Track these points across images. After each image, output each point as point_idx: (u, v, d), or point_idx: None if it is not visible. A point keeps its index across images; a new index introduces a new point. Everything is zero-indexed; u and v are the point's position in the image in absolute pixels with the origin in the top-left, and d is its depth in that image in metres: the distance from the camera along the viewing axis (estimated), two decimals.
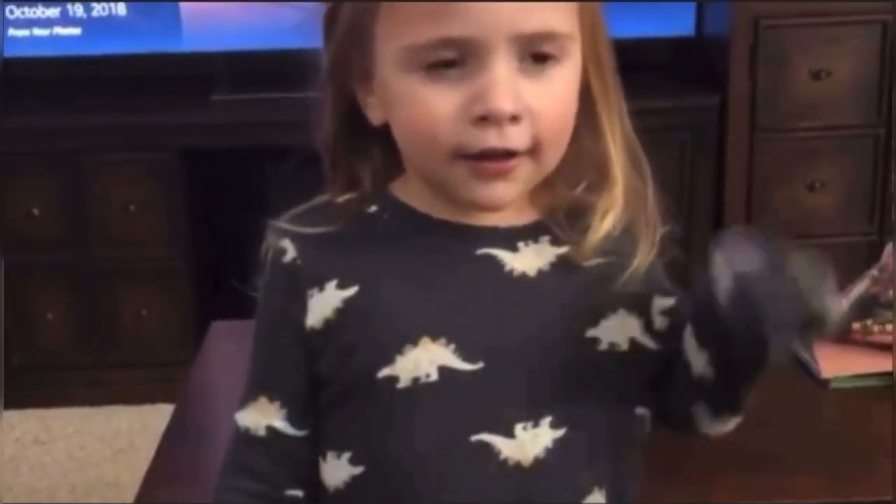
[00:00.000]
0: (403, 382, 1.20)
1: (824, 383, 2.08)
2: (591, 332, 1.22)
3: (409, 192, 1.26)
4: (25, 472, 3.28)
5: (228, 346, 2.25)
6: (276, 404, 1.27)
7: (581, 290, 1.23)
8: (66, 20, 3.66)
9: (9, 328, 3.56)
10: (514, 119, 1.13)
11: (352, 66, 1.22)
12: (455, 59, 1.14)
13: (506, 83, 1.12)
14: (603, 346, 1.22)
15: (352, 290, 1.23)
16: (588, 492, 1.22)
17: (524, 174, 1.18)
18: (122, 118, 3.53)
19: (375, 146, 1.25)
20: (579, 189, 1.25)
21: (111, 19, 3.66)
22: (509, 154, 1.15)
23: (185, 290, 3.60)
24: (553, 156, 1.19)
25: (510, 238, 1.23)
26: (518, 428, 1.19)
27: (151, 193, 3.51)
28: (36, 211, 3.49)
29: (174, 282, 3.58)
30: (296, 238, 1.27)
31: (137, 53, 3.68)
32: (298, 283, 1.25)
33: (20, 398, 3.56)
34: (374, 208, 1.27)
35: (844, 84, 3.49)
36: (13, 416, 3.55)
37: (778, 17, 3.46)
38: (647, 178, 1.27)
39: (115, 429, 3.48)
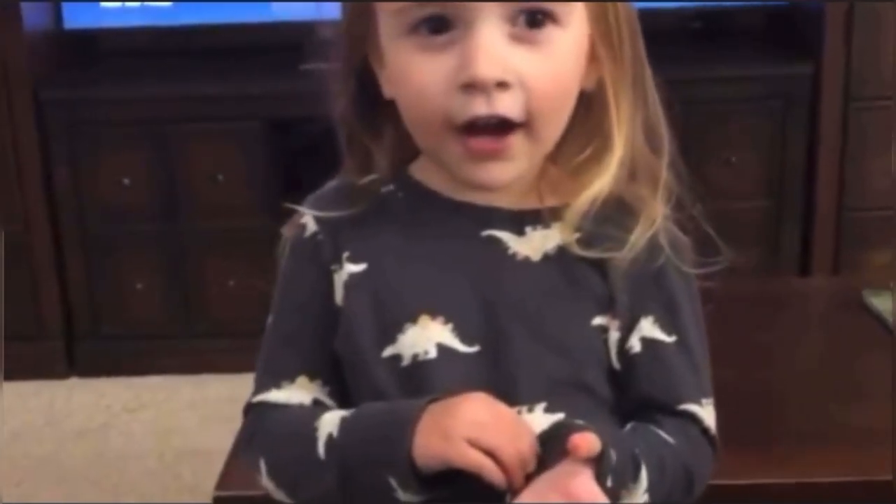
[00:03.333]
0: (405, 361, 1.19)
1: None
2: (597, 321, 1.20)
3: (425, 171, 1.24)
4: (115, 439, 3.31)
5: None
6: (318, 382, 1.25)
7: (588, 276, 1.20)
8: None
9: (99, 298, 3.60)
10: (502, 86, 1.11)
11: (362, 39, 1.21)
12: (442, 20, 1.12)
13: (490, 49, 1.10)
14: (608, 335, 1.21)
15: (360, 268, 1.22)
16: None
17: (519, 152, 1.16)
18: (212, 88, 3.53)
19: (390, 124, 1.24)
20: (581, 157, 1.21)
21: None
22: (502, 125, 1.13)
23: (272, 260, 3.60)
24: (550, 129, 1.17)
25: (519, 221, 1.22)
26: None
27: (240, 163, 3.52)
28: (126, 181, 3.51)
29: (261, 252, 3.57)
30: (316, 217, 1.26)
31: (227, 23, 3.69)
32: (323, 258, 1.24)
33: (110, 366, 3.60)
34: (390, 187, 1.26)
35: None
36: (103, 383, 3.59)
37: None
38: (662, 154, 1.23)
39: (202, 397, 3.50)
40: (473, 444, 1.09)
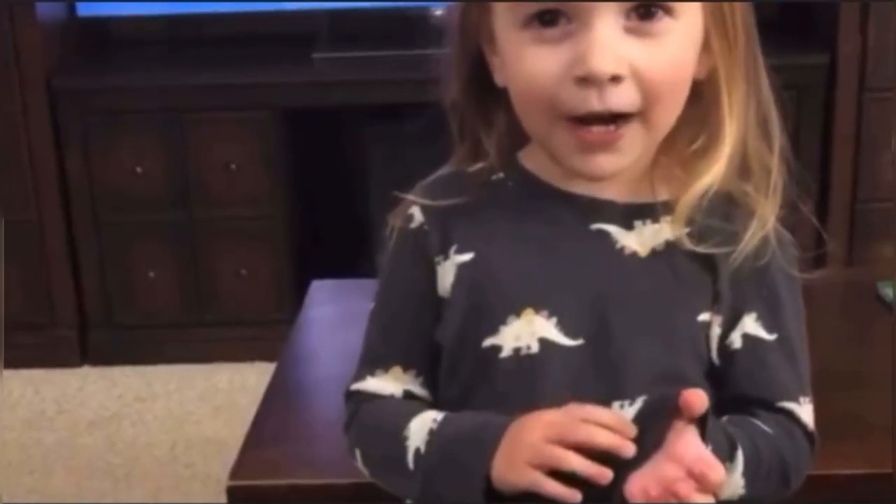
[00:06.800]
0: (506, 352, 1.20)
1: None
2: (703, 316, 1.21)
3: (535, 160, 1.25)
4: (127, 428, 3.31)
5: (328, 305, 2.25)
6: (412, 373, 1.28)
7: (696, 272, 1.21)
8: None
9: (112, 286, 3.60)
10: (615, 80, 1.12)
11: (476, 27, 1.22)
12: (555, 14, 1.13)
13: (606, 43, 1.11)
14: (710, 330, 1.22)
15: (467, 257, 1.23)
16: None
17: (632, 142, 1.16)
18: (224, 77, 3.53)
19: (501, 112, 1.24)
20: (692, 148, 1.22)
21: None
22: (613, 117, 1.14)
23: (285, 249, 3.60)
24: (663, 119, 1.18)
25: (628, 215, 1.22)
26: (615, 406, 1.18)
27: (252, 152, 3.51)
28: (139, 169, 3.50)
29: (273, 241, 3.58)
30: (424, 206, 1.27)
31: (240, 12, 3.68)
32: (427, 250, 1.25)
33: (122, 355, 3.60)
34: (500, 175, 1.27)
35: None
36: (116, 372, 3.59)
37: None
38: (774, 148, 1.24)
39: (214, 386, 3.50)
40: (537, 467, 1.12)
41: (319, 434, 1.78)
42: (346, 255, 3.45)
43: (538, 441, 1.13)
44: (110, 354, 3.64)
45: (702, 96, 1.21)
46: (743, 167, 1.23)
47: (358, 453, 1.29)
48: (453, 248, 1.24)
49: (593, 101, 1.12)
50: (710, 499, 1.10)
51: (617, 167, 1.17)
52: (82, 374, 3.62)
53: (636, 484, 1.10)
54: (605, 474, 1.11)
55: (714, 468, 1.09)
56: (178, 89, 3.50)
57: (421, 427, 1.22)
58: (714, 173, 1.21)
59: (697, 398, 1.09)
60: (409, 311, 1.27)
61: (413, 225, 1.27)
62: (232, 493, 1.64)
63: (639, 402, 1.19)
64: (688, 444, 1.09)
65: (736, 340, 1.22)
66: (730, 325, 1.22)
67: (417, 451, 1.21)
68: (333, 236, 3.76)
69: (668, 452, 1.10)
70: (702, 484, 1.08)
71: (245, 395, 3.36)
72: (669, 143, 1.22)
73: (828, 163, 3.51)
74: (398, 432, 1.23)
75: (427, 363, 1.27)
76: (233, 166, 3.50)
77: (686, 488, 1.08)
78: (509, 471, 1.14)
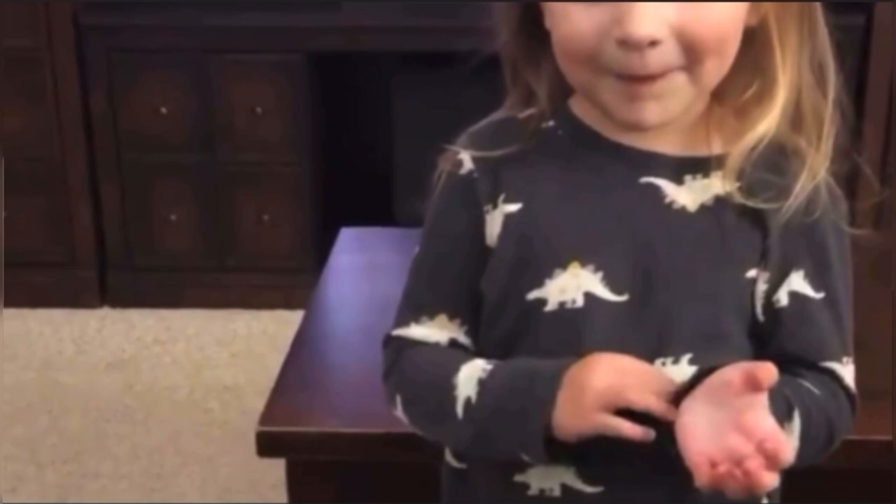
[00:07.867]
0: (550, 306, 1.19)
1: None
2: (750, 273, 1.19)
3: (585, 109, 1.23)
4: (146, 371, 3.31)
5: (356, 253, 2.23)
6: (457, 321, 1.26)
7: (745, 228, 1.19)
8: None
9: (133, 228, 3.59)
10: (654, 43, 1.10)
11: None
12: None
13: (646, 6, 1.09)
14: (756, 287, 1.20)
15: (515, 207, 1.22)
16: None
17: (678, 91, 1.14)
18: (253, 19, 3.50)
19: (549, 57, 1.22)
20: (746, 96, 1.20)
21: None
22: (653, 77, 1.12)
23: (308, 195, 3.58)
24: (711, 72, 1.15)
25: (678, 169, 1.20)
26: (657, 363, 1.17)
27: (278, 97, 3.48)
28: (164, 110, 3.48)
29: (296, 187, 3.56)
30: (473, 153, 1.25)
31: None
32: (477, 197, 1.24)
33: (142, 298, 3.59)
34: (551, 123, 1.25)
35: None
36: (135, 314, 3.59)
37: None
38: (828, 96, 1.20)
39: (232, 332, 3.49)
40: (603, 409, 1.12)
41: (348, 382, 1.76)
42: (369, 204, 3.42)
43: (612, 385, 1.12)
44: (130, 296, 3.63)
45: (754, 42, 1.18)
46: (796, 116, 1.20)
47: (399, 401, 1.27)
48: (502, 197, 1.22)
49: (634, 64, 1.11)
50: (775, 478, 1.05)
51: (661, 116, 1.15)
52: (101, 315, 3.61)
53: (699, 451, 1.06)
54: (674, 412, 1.10)
55: (785, 446, 1.05)
56: (206, 30, 3.48)
57: (470, 376, 1.20)
58: (769, 121, 1.18)
59: (768, 373, 1.05)
60: (456, 258, 1.25)
61: (462, 171, 1.25)
62: (261, 439, 1.62)
63: (683, 361, 1.17)
64: (759, 418, 1.05)
65: (783, 298, 1.20)
66: (777, 281, 1.20)
67: (468, 400, 1.19)
68: (356, 184, 3.74)
69: (738, 424, 1.05)
70: (771, 462, 1.04)
71: (263, 341, 3.35)
72: (723, 92, 1.20)
73: (860, 127, 3.47)
74: (446, 381, 1.21)
75: (471, 312, 1.25)
76: (258, 110, 3.48)
77: (756, 465, 1.03)
78: (575, 417, 1.13)
